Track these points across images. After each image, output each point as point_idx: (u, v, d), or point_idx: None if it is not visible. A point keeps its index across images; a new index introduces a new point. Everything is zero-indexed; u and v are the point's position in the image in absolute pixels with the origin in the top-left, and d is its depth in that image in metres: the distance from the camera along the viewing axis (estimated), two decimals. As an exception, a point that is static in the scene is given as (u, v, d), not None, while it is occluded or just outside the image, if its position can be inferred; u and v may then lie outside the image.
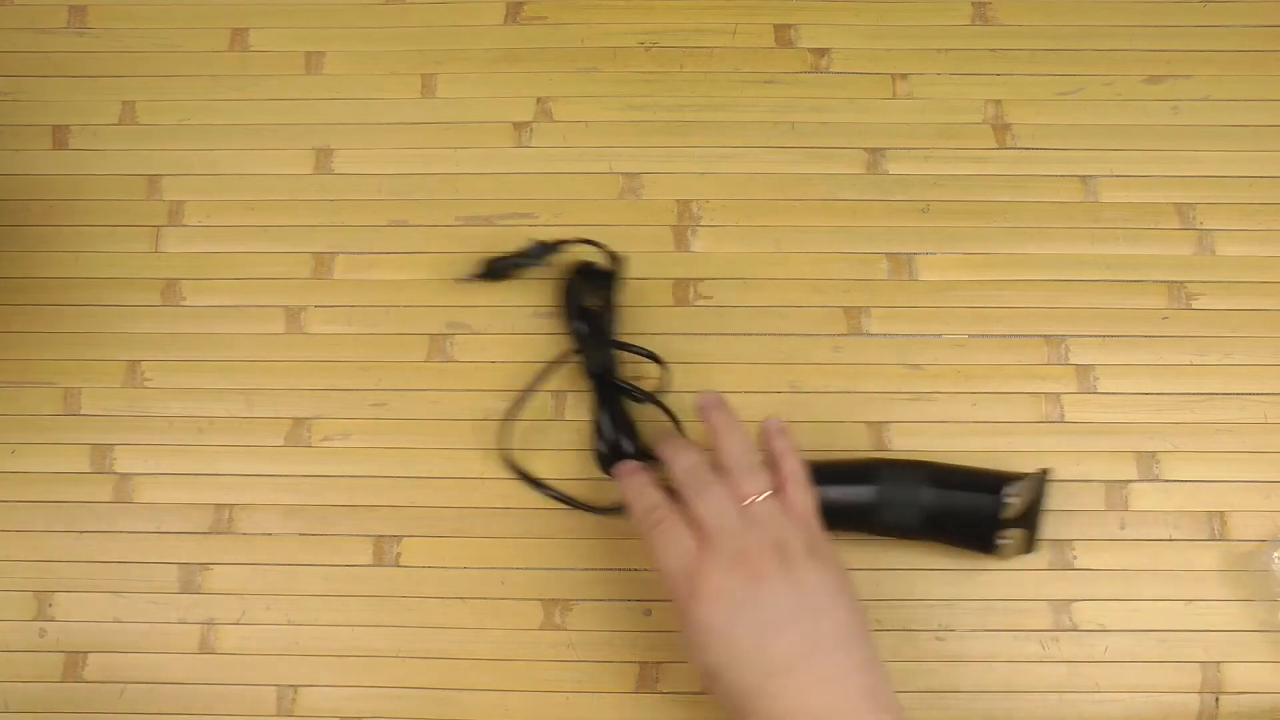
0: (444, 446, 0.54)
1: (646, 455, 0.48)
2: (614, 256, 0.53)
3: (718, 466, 0.42)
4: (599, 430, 0.51)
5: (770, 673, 0.36)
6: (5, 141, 0.59)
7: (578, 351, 0.52)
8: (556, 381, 0.53)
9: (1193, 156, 0.57)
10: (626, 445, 0.50)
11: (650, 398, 0.51)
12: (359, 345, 0.55)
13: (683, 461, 0.43)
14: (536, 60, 0.59)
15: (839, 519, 0.45)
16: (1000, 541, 0.47)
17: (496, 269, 0.54)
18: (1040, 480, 0.48)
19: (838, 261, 0.56)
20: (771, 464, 0.43)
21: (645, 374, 0.53)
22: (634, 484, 0.44)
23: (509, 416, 0.52)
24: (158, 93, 0.59)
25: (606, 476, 0.51)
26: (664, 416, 0.52)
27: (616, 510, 0.49)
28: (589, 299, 0.53)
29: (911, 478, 0.46)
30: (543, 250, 0.54)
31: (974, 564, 0.51)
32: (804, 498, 0.42)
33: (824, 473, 0.45)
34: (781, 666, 0.36)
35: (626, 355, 0.52)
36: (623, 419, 0.51)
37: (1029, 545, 0.48)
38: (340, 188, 0.57)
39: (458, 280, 0.55)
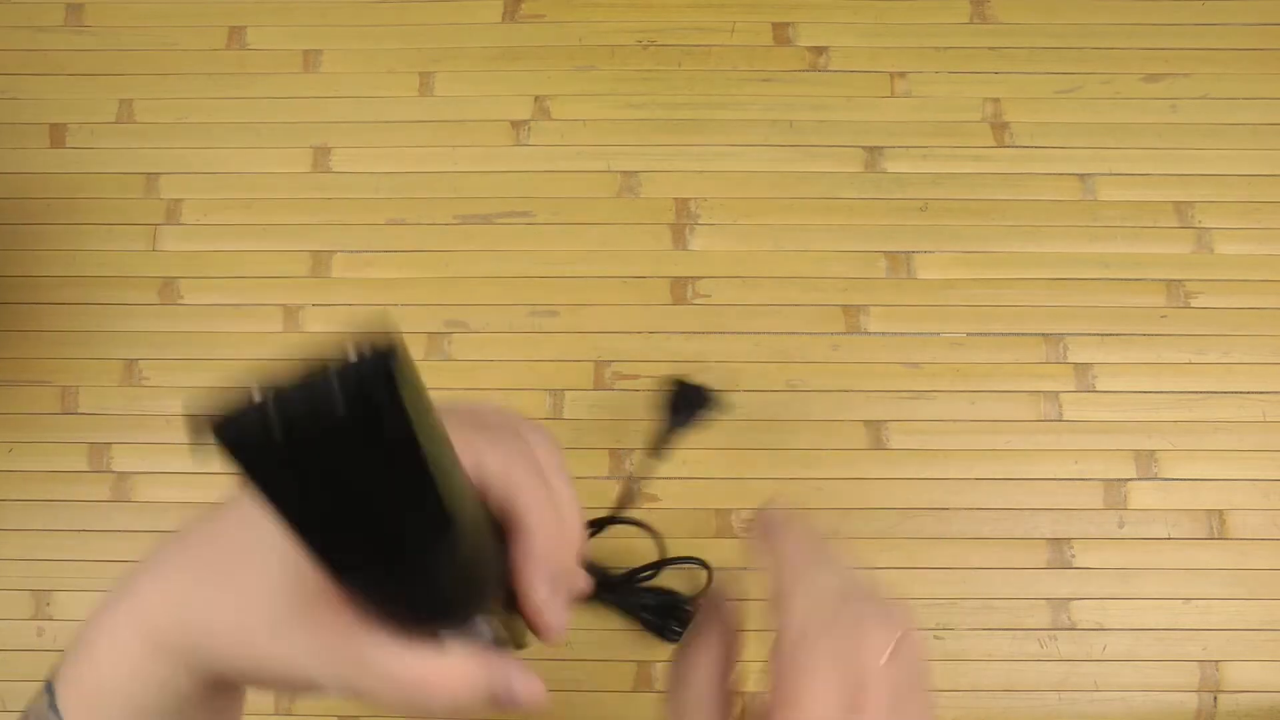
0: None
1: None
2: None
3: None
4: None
5: None
6: (3, 140, 0.59)
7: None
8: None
9: (1191, 155, 0.57)
10: None
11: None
12: (357, 344, 0.55)
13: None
14: (534, 58, 0.59)
15: None
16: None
17: None
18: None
19: (836, 260, 0.56)
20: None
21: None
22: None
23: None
24: (155, 91, 0.59)
25: None
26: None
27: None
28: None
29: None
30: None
31: (973, 563, 0.51)
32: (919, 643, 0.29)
33: None
34: None
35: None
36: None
37: None
38: (338, 186, 0.57)
39: None
